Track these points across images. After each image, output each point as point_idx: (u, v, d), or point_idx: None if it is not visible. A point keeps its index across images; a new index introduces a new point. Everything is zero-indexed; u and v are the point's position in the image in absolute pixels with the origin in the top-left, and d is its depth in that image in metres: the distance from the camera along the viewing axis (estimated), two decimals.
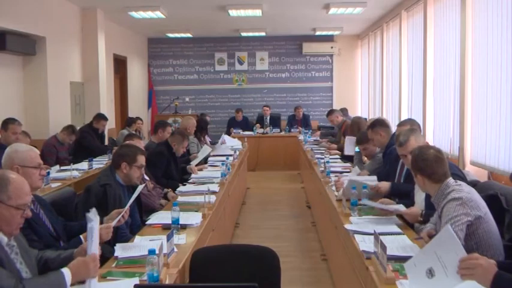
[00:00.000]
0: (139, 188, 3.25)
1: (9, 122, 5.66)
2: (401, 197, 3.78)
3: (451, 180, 2.83)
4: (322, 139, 8.83)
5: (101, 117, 7.97)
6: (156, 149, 5.68)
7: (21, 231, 2.26)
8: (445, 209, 2.70)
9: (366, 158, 5.65)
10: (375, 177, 4.23)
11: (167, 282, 2.45)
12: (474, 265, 1.94)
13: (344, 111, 10.16)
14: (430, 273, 2.08)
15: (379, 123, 4.88)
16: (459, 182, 2.84)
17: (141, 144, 4.96)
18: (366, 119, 8.01)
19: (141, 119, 9.76)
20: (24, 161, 2.81)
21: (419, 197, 3.42)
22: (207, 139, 8.11)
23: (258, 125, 11.43)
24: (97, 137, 7.87)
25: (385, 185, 3.98)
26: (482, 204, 2.73)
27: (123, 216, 2.95)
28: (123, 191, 3.53)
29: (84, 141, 7.52)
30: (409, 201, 3.58)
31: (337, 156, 6.96)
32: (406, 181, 3.96)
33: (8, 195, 2.13)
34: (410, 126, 4.35)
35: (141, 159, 3.64)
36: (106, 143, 8.51)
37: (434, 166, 2.83)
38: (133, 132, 8.20)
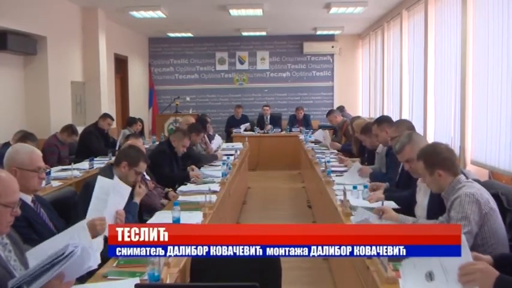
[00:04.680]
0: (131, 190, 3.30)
1: None
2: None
3: (462, 176, 2.85)
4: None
5: (107, 116, 7.88)
6: (157, 147, 5.68)
7: (14, 228, 2.25)
8: (457, 202, 2.70)
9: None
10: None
11: (168, 281, 2.45)
12: (473, 270, 1.89)
13: (341, 109, 10.16)
14: (430, 276, 2.05)
15: (387, 121, 4.85)
16: (470, 179, 2.86)
17: (140, 142, 4.96)
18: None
19: (141, 121, 9.62)
20: (23, 163, 2.74)
21: (421, 198, 3.38)
22: (206, 139, 8.08)
23: (258, 128, 11.39)
24: (102, 137, 7.78)
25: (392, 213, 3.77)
26: (492, 201, 2.75)
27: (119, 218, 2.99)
28: None
29: (88, 142, 7.46)
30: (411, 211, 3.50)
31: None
32: (407, 182, 3.91)
33: None
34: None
35: (142, 166, 3.67)
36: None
37: (452, 157, 2.87)
38: (134, 132, 8.19)
